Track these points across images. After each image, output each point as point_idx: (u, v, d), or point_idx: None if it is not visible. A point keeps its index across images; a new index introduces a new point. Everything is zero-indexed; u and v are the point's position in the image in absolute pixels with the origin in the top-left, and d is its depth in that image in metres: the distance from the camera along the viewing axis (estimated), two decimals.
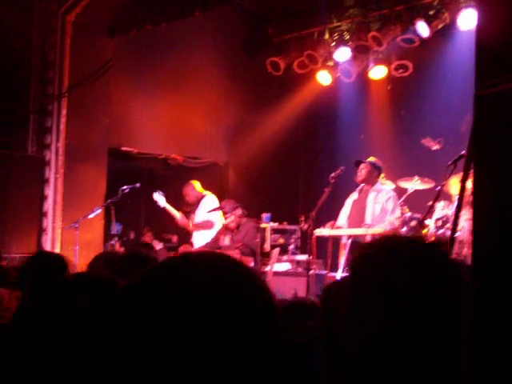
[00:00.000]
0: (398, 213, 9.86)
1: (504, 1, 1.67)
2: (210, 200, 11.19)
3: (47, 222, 10.76)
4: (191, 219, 11.30)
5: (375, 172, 10.11)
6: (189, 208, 11.62)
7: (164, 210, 11.42)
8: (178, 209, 12.91)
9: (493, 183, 1.72)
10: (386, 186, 10.70)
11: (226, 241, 10.55)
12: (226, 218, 10.55)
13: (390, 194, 9.94)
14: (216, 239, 10.71)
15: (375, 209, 9.85)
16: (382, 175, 10.88)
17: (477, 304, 1.65)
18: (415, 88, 12.36)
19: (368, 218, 9.77)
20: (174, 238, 13.77)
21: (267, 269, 10.22)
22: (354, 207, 10.09)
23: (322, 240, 10.18)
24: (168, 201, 13.93)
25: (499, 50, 1.65)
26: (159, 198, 11.24)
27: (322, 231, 9.82)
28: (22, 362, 1.54)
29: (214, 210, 10.87)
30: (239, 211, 10.50)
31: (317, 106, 13.66)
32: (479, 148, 1.78)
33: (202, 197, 11.26)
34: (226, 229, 10.70)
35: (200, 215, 11.16)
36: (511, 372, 1.57)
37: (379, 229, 9.50)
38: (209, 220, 11.07)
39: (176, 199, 13.28)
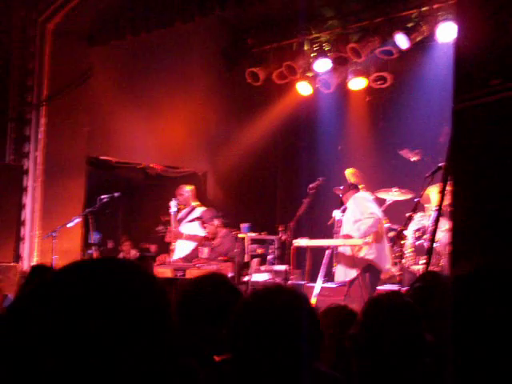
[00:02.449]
0: (366, 213, 9.84)
1: (482, 18, 1.70)
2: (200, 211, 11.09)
3: (25, 231, 10.71)
4: (176, 228, 11.16)
5: (350, 190, 10.18)
6: (167, 217, 11.58)
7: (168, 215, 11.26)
8: (156, 217, 12.90)
9: (469, 194, 1.75)
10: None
11: (205, 252, 10.54)
12: (203, 227, 10.56)
13: (355, 198, 10.02)
14: (195, 250, 10.69)
15: (349, 218, 9.97)
16: (361, 186, 10.93)
17: (455, 313, 1.67)
18: (394, 100, 12.45)
19: (343, 229, 9.89)
20: (153, 248, 13.76)
21: (246, 279, 10.23)
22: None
23: (301, 250, 10.21)
24: (146, 210, 13.91)
25: (476, 65, 1.69)
26: (173, 205, 11.05)
27: (300, 242, 9.85)
28: None
29: (194, 219, 10.87)
30: (216, 221, 10.51)
31: (296, 116, 13.71)
32: (457, 160, 1.81)
33: (193, 207, 11.16)
34: (205, 239, 10.70)
35: (187, 225, 11.05)
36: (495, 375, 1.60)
37: (357, 241, 9.59)
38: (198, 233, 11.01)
39: (155, 208, 13.27)
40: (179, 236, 10.96)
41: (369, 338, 2.99)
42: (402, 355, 2.94)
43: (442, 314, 1.76)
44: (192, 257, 10.56)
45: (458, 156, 1.78)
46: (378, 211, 10.06)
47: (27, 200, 10.75)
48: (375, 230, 9.86)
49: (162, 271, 9.88)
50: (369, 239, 9.83)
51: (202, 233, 10.88)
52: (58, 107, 11.00)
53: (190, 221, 10.93)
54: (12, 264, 9.96)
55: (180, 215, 11.26)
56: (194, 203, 11.26)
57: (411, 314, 3.10)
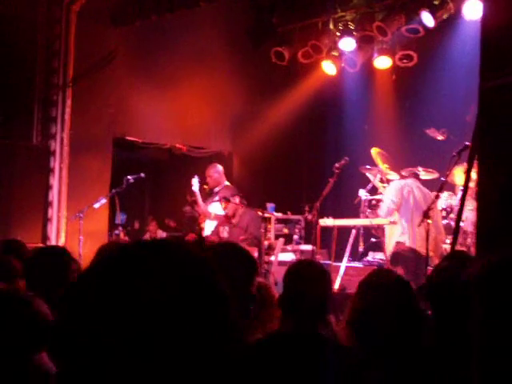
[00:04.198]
0: (387, 201, 10.01)
1: None
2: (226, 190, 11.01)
3: (52, 212, 10.78)
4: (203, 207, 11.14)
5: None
6: (194, 197, 11.58)
7: (192, 193, 11.28)
8: (182, 197, 12.95)
9: (497, 174, 1.74)
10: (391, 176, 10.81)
11: (225, 232, 10.53)
12: (225, 205, 10.51)
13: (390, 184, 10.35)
14: (216, 231, 10.70)
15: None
16: (386, 166, 10.91)
17: (479, 294, 1.66)
18: (420, 78, 12.35)
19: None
20: (172, 223, 13.85)
21: (272, 258, 10.24)
22: None
23: (327, 230, 10.21)
24: (171, 190, 13.95)
25: (504, 43, 1.67)
26: (195, 182, 11.04)
27: (327, 221, 9.85)
28: None
29: (214, 201, 10.86)
30: (237, 199, 10.47)
31: (321, 95, 13.66)
32: (483, 139, 1.79)
33: (222, 185, 11.08)
34: (225, 219, 10.69)
35: (212, 205, 10.99)
36: None
37: (382, 220, 9.67)
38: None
39: (180, 188, 13.33)
40: (208, 215, 11.00)
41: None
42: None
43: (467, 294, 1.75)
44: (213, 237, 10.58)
45: (484, 134, 1.77)
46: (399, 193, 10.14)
47: (54, 181, 10.81)
48: (393, 208, 9.86)
49: None
50: (395, 218, 9.82)
51: (222, 212, 10.86)
52: (84, 88, 11.04)
53: (215, 200, 10.93)
54: (40, 245, 10.05)
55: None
56: (227, 183, 11.18)
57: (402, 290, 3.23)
